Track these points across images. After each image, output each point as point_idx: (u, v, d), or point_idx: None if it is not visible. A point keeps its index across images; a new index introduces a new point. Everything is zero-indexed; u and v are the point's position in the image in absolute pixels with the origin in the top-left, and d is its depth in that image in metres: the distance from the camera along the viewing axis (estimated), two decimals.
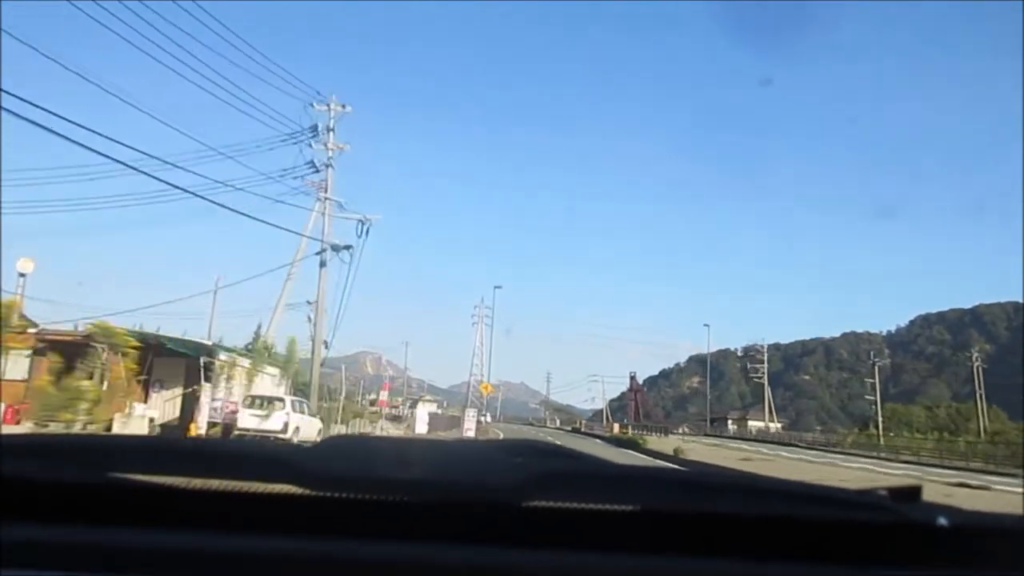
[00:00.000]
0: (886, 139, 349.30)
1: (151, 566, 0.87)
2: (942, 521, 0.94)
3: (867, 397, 66.84)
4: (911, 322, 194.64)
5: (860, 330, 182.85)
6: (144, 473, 1.01)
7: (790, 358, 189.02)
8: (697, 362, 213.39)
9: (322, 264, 27.95)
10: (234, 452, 1.16)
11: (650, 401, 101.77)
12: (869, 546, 0.95)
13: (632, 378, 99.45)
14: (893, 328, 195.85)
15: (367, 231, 28.15)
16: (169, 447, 1.26)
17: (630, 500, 1.01)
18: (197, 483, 1.00)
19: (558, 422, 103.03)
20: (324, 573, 0.88)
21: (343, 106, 28.84)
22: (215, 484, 1.00)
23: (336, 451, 1.12)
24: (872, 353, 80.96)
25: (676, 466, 16.52)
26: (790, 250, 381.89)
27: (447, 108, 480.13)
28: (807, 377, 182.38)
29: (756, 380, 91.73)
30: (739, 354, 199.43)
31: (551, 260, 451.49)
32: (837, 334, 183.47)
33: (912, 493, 1.03)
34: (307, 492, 0.97)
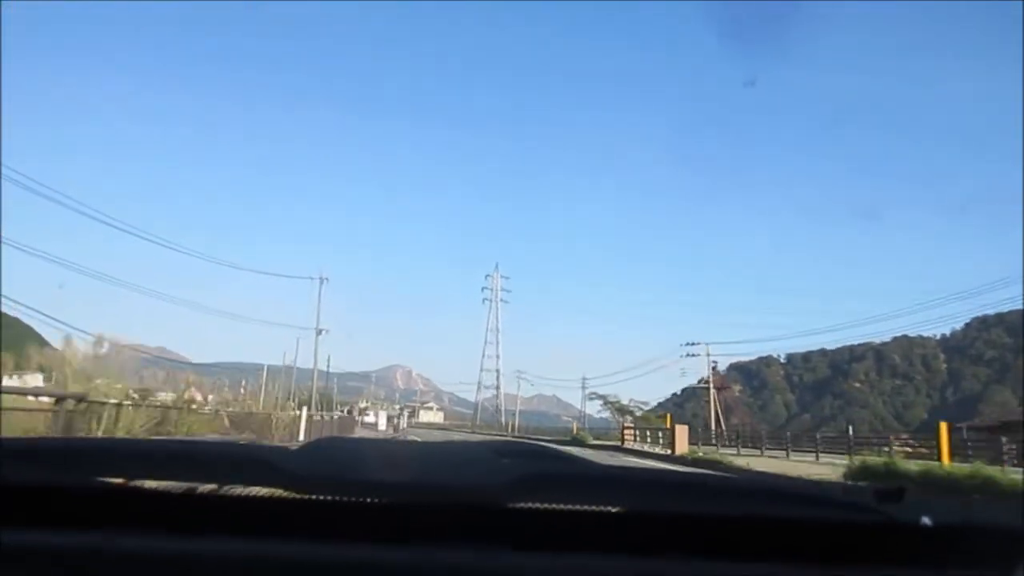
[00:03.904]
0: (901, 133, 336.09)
1: (140, 570, 0.87)
2: (926, 521, 0.95)
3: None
4: (967, 325, 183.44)
5: (913, 334, 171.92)
6: (134, 477, 1.01)
7: (838, 364, 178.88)
8: (737, 369, 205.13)
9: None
10: (220, 455, 1.15)
11: (740, 404, 69.04)
12: (854, 546, 0.95)
13: (713, 369, 66.11)
14: (948, 332, 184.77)
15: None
16: (158, 451, 1.26)
17: (616, 502, 1.01)
18: (185, 486, 0.99)
19: (656, 438, 36.69)
20: (307, 575, 0.87)
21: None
22: (202, 487, 0.99)
23: (321, 453, 1.11)
24: None
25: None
26: (833, 251, 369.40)
27: (432, 114, 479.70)
28: (857, 385, 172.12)
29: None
30: (782, 360, 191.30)
31: (581, 267, 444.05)
32: (888, 339, 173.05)
33: (897, 493, 1.03)
34: (292, 495, 0.97)
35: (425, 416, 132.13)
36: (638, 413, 71.43)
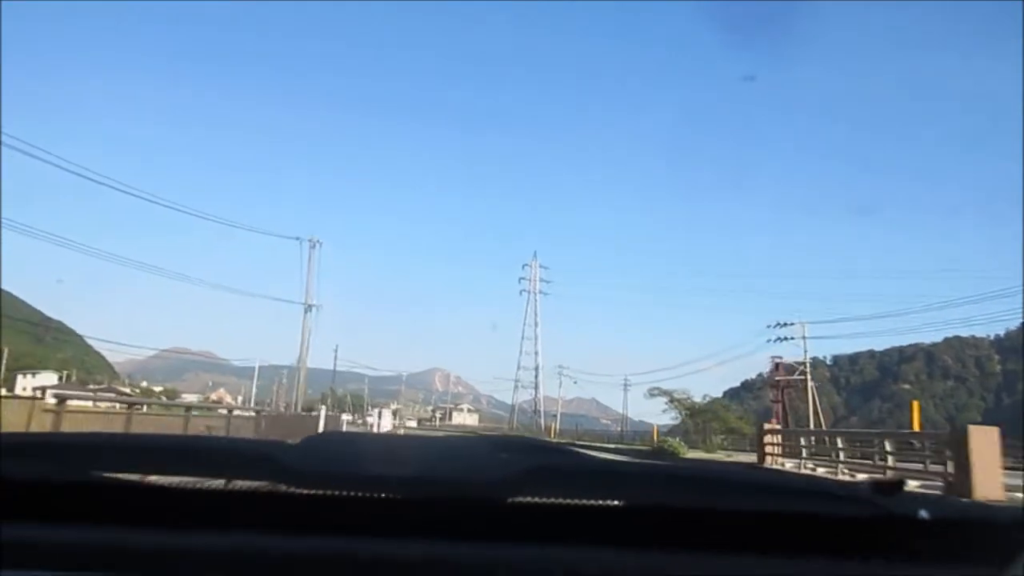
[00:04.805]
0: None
1: (139, 564, 0.87)
2: (924, 514, 0.95)
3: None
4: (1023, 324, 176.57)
5: (965, 334, 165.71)
6: (131, 471, 1.02)
7: (886, 366, 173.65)
8: (783, 371, 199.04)
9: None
10: (221, 449, 1.16)
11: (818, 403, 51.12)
12: (852, 539, 0.96)
13: (777, 365, 55.76)
14: (1002, 332, 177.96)
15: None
16: (156, 445, 1.25)
17: (617, 495, 1.01)
18: (184, 481, 1.00)
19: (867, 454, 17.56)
20: (309, 570, 0.87)
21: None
22: (201, 482, 1.00)
23: (321, 448, 1.12)
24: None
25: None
26: (879, 247, 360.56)
27: (450, 114, 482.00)
28: (907, 387, 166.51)
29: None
30: (828, 362, 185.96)
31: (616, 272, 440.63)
32: (939, 339, 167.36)
33: (895, 486, 1.03)
34: (292, 489, 0.98)
35: (458, 418, 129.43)
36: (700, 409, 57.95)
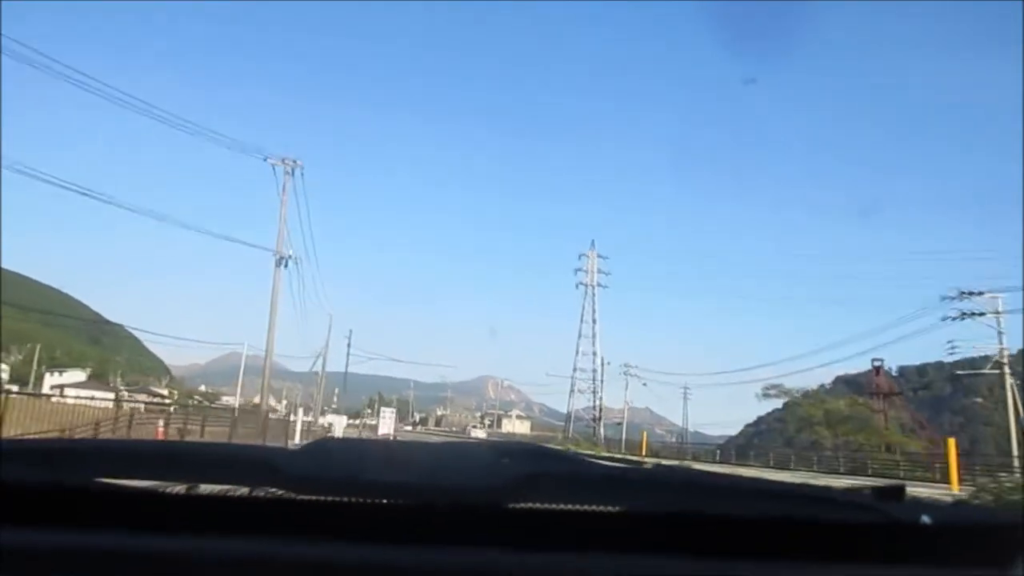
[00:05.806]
0: None
1: (140, 570, 0.87)
2: (926, 519, 0.95)
3: None
4: None
5: None
6: (133, 477, 1.03)
7: (957, 379, 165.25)
8: (845, 383, 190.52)
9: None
10: (221, 455, 1.18)
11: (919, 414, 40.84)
12: (854, 545, 0.96)
13: (878, 369, 51.35)
14: None
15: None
16: (158, 451, 1.27)
17: (617, 501, 1.01)
18: (185, 487, 1.01)
19: None
20: (308, 575, 0.87)
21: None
22: (203, 488, 1.01)
23: (323, 454, 1.13)
24: None
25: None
26: (946, 253, 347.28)
27: (438, 110, 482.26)
28: (980, 400, 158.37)
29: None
30: (894, 373, 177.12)
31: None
32: (1013, 351, 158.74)
33: (896, 492, 1.04)
34: (294, 495, 0.98)
35: (507, 426, 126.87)
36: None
